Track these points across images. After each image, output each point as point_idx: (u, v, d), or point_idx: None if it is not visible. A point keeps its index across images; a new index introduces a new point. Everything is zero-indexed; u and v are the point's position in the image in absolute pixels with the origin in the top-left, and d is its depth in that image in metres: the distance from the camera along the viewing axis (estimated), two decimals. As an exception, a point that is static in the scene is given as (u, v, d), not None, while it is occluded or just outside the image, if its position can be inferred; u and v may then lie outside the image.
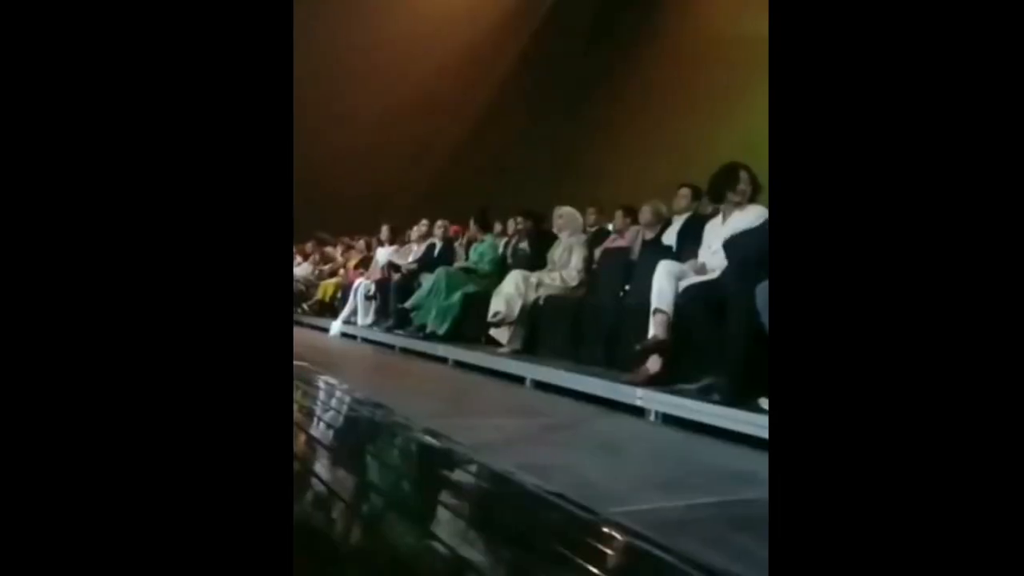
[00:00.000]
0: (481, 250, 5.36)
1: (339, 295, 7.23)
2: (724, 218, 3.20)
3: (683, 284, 3.06)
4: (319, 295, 7.69)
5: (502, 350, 4.33)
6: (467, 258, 5.52)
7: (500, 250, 5.46)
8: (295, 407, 2.81)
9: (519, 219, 5.35)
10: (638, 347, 3.11)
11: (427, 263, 5.79)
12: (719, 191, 3.20)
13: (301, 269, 8.21)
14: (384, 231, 6.99)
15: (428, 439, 2.36)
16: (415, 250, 6.34)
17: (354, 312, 6.55)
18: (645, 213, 4.22)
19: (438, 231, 6.13)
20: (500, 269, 5.09)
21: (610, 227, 4.97)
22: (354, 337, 6.27)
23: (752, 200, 3.16)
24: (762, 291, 2.49)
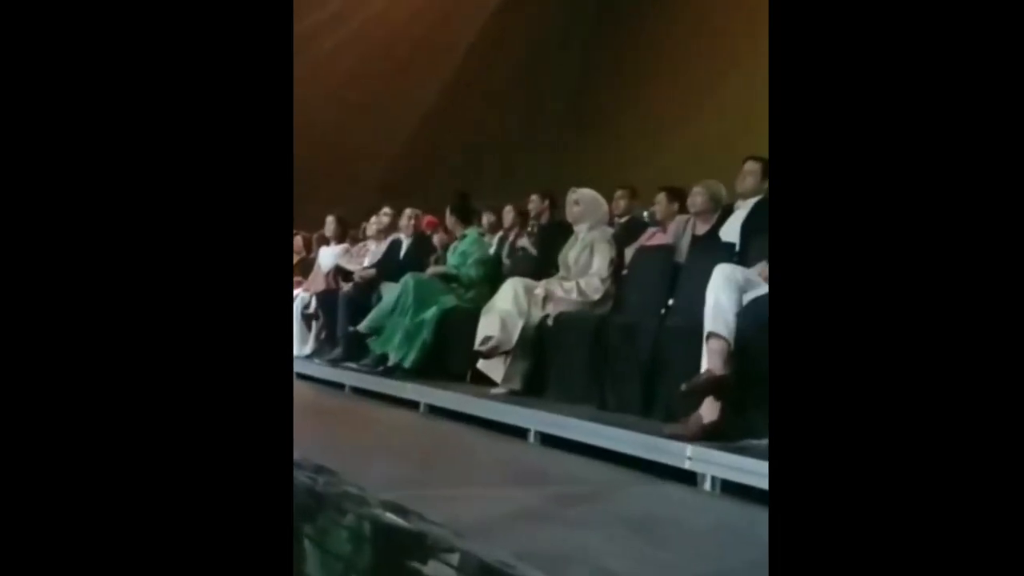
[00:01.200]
0: (463, 248, 5.28)
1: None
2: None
3: (749, 297, 3.06)
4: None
5: (496, 390, 4.33)
6: (445, 260, 5.49)
7: (492, 249, 5.44)
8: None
9: (534, 199, 5.33)
10: (686, 387, 3.10)
11: (390, 268, 5.77)
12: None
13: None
14: (329, 224, 6.86)
15: (391, 517, 2.35)
16: (373, 250, 6.32)
17: (287, 337, 6.54)
18: (697, 198, 4.21)
19: (405, 224, 6.08)
20: (492, 275, 5.09)
21: (646, 216, 4.97)
22: (287, 372, 6.27)
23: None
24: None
